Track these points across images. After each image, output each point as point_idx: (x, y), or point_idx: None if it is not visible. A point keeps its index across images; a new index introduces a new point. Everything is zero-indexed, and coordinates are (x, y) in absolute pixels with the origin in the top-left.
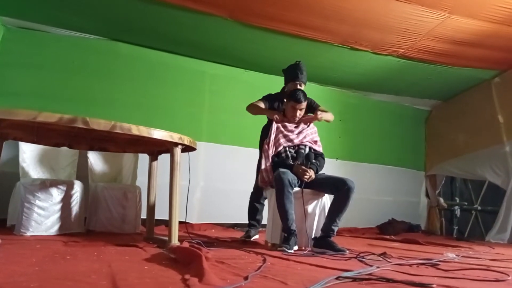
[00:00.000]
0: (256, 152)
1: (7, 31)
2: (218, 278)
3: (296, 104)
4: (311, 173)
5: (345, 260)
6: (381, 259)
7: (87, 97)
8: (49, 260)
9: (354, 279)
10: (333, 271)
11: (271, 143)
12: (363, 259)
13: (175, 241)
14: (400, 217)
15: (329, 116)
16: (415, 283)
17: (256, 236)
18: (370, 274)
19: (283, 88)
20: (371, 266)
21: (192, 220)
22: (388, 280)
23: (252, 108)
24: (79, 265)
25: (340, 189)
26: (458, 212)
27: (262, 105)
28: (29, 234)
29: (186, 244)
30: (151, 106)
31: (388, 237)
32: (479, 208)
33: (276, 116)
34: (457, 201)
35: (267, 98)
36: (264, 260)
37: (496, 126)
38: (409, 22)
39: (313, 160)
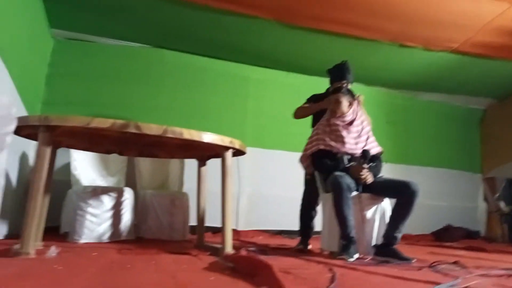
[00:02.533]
0: None
1: (56, 43)
2: None
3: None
4: (367, 174)
5: (417, 270)
6: (457, 269)
7: (133, 104)
8: (108, 271)
9: None
10: (416, 283)
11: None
12: (438, 269)
13: (229, 249)
14: (456, 223)
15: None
16: None
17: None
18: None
19: (328, 89)
20: (457, 277)
21: (238, 227)
22: None
23: (301, 111)
24: (140, 277)
25: (403, 193)
26: None
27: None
28: (82, 241)
29: (243, 253)
30: (194, 112)
31: (448, 244)
32: None
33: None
34: None
35: (313, 99)
36: (332, 271)
37: None
38: (464, 15)
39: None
